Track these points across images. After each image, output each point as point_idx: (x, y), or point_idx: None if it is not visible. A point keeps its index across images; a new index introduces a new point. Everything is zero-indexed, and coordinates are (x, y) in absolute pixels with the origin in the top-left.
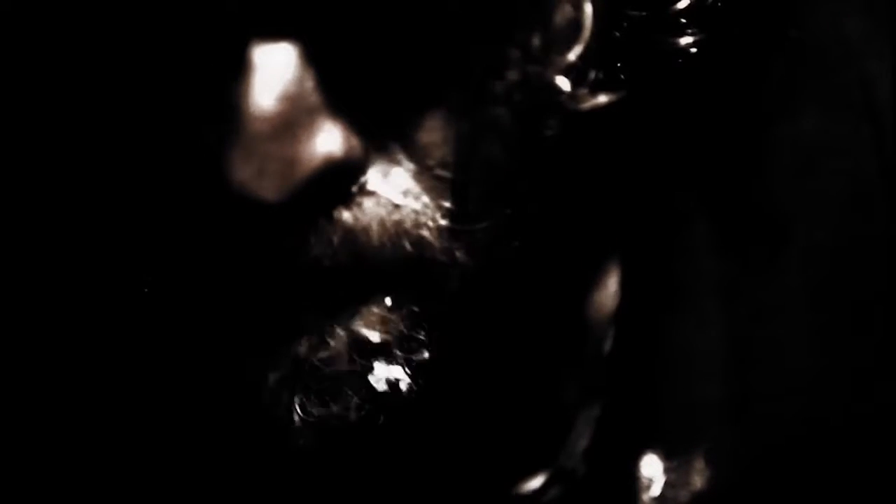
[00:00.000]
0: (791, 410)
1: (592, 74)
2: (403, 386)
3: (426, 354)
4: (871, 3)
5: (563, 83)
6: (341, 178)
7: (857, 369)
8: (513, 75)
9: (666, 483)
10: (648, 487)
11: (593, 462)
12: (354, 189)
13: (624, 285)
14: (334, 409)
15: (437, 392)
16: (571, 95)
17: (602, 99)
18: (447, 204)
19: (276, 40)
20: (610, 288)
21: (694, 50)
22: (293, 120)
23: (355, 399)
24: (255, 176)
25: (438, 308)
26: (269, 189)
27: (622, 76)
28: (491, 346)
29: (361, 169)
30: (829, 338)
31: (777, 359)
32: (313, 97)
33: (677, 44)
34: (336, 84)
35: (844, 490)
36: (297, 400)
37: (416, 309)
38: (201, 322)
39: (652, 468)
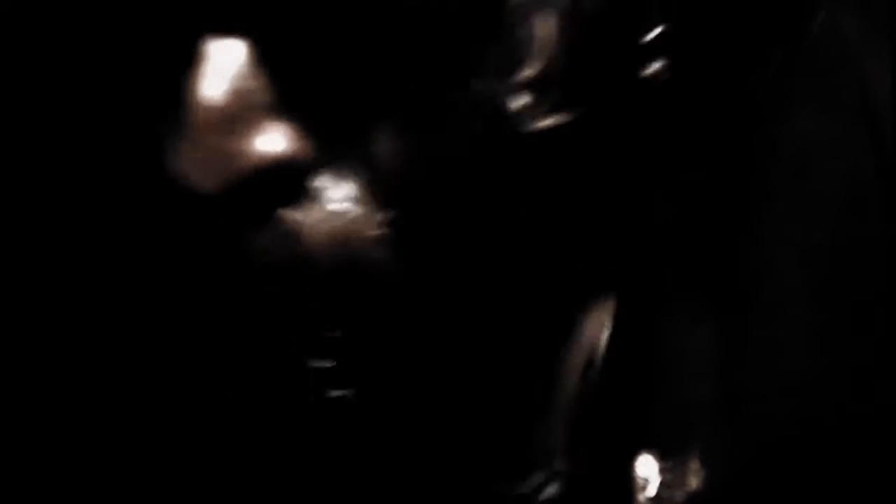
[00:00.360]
0: (786, 410)
1: (553, 96)
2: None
3: (358, 358)
4: (869, 3)
5: (520, 100)
6: (286, 178)
7: (853, 369)
8: (470, 89)
9: (661, 483)
10: (644, 488)
11: (589, 462)
12: (300, 190)
13: (617, 288)
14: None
15: (374, 396)
16: (527, 113)
17: (555, 120)
18: (389, 214)
19: (227, 36)
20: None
21: (659, 80)
22: (240, 115)
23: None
24: (197, 166)
25: (371, 314)
26: (209, 180)
27: (584, 100)
28: (427, 351)
29: (308, 171)
30: (825, 337)
31: (772, 358)
32: (264, 95)
33: (643, 72)
34: (291, 86)
35: (840, 490)
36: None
37: (348, 314)
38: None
39: (647, 468)
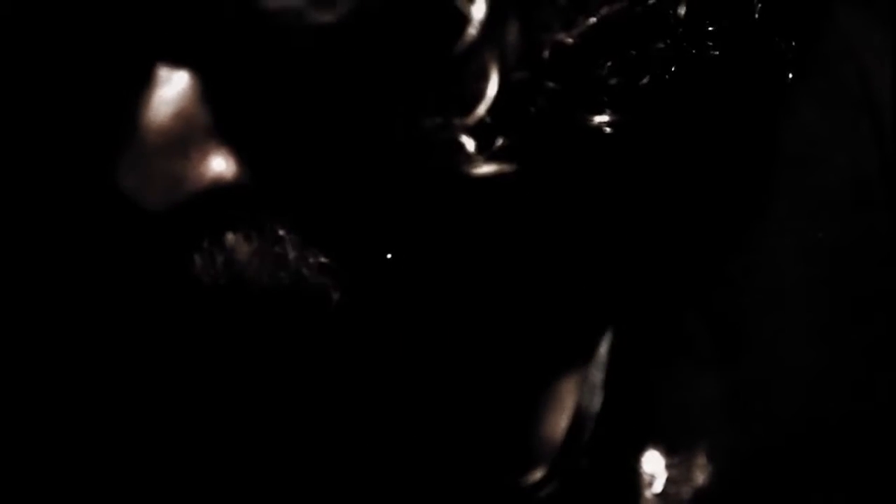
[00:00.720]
0: (791, 407)
1: (498, 140)
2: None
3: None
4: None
5: (466, 143)
6: (229, 203)
7: (857, 365)
8: (412, 128)
9: (668, 479)
10: (650, 484)
11: (595, 458)
12: (242, 217)
13: (621, 285)
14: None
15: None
16: (468, 157)
17: (494, 167)
18: (329, 242)
19: (175, 65)
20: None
21: (608, 129)
22: (187, 138)
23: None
24: (144, 183)
25: (309, 343)
26: (153, 198)
27: (529, 146)
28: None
29: (252, 198)
30: (828, 333)
31: (776, 353)
32: (206, 120)
33: (591, 122)
34: (235, 113)
35: (844, 486)
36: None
37: (286, 342)
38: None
39: (654, 464)
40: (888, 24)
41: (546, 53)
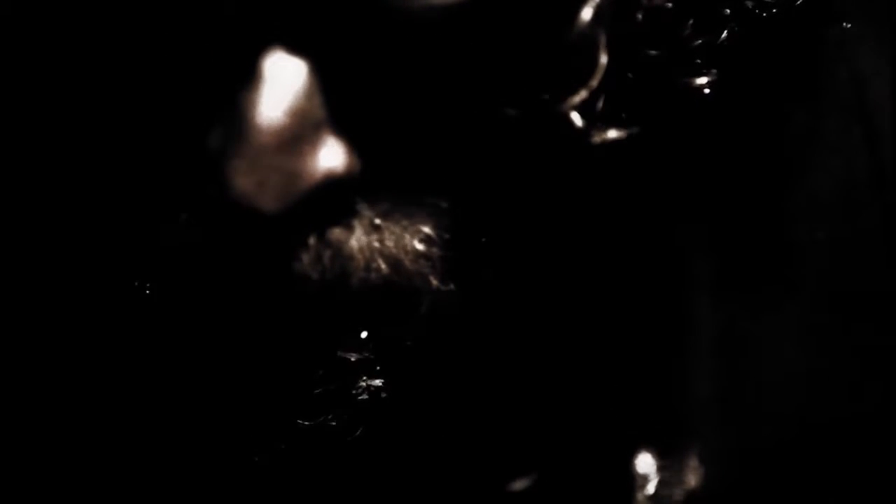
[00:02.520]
0: (784, 408)
1: (606, 110)
2: (383, 395)
3: (399, 369)
4: (864, 1)
5: (576, 118)
6: (337, 195)
7: (849, 367)
8: (524, 107)
9: (660, 481)
10: (643, 486)
11: (587, 460)
12: (345, 208)
13: (618, 285)
14: (321, 420)
15: (414, 399)
16: (583, 130)
17: (612, 134)
18: (426, 229)
19: (288, 54)
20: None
21: (708, 90)
22: (299, 134)
23: (339, 410)
24: (256, 187)
25: (411, 328)
26: (268, 201)
27: (636, 113)
28: (463, 357)
29: (355, 187)
30: (820, 333)
31: (768, 355)
32: (320, 112)
33: (692, 83)
34: (339, 101)
35: (837, 488)
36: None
37: (391, 329)
38: (193, 326)
39: (646, 466)
40: (881, 27)
41: (640, 18)
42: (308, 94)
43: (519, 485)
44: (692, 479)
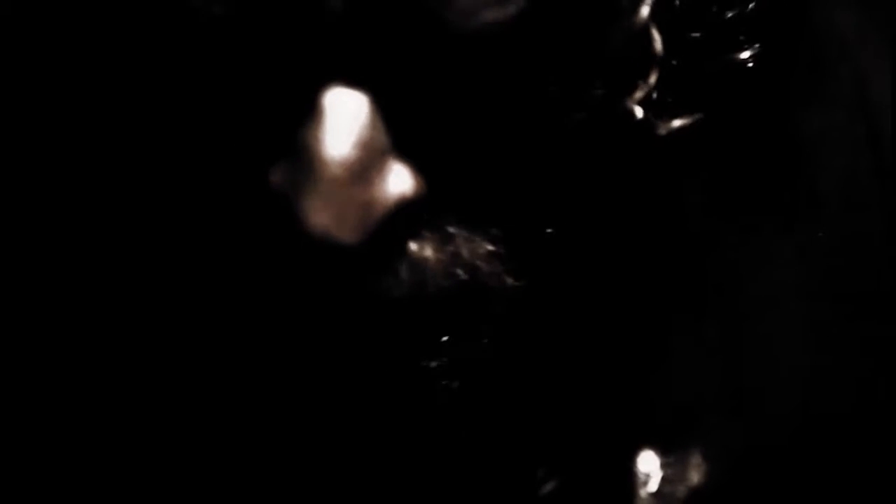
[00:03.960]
0: (786, 405)
1: (665, 99)
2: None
3: (478, 370)
4: (865, 1)
5: (639, 112)
6: (409, 216)
7: (852, 365)
8: (587, 108)
9: (663, 478)
10: (646, 483)
11: (590, 457)
12: (418, 223)
13: (622, 283)
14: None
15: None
16: (648, 122)
17: (677, 123)
18: (495, 231)
19: (347, 88)
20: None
21: (751, 63)
22: (367, 164)
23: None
24: (335, 220)
25: (490, 328)
26: (348, 232)
27: (692, 97)
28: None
29: (424, 204)
30: (822, 331)
31: (771, 352)
32: (383, 140)
33: (737, 58)
34: (398, 126)
35: (839, 485)
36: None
37: (470, 332)
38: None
39: (649, 464)
40: (884, 25)
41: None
42: (371, 125)
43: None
44: (695, 477)
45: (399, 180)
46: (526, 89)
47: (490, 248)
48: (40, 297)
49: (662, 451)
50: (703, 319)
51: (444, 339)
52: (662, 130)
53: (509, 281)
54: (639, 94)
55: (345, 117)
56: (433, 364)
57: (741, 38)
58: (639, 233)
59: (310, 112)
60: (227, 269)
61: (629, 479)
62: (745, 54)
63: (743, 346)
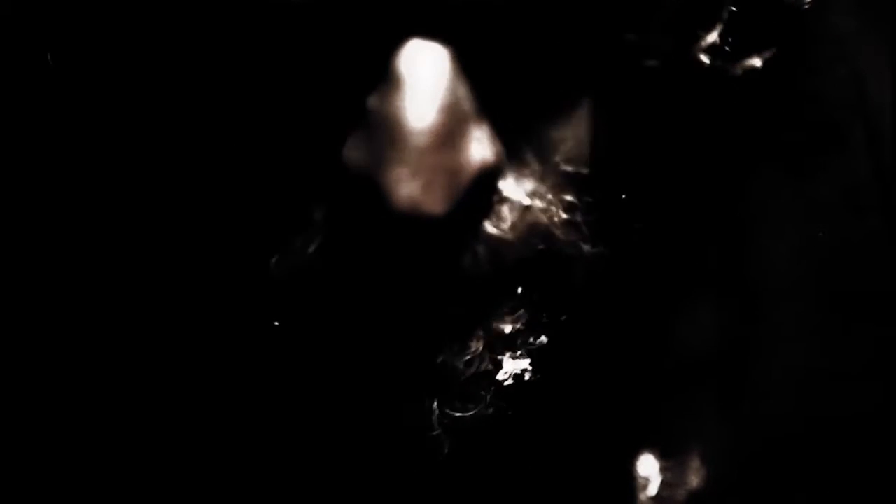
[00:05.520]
0: (785, 408)
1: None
2: (527, 377)
3: (547, 341)
4: (864, 1)
5: (706, 59)
6: (489, 185)
7: (851, 367)
8: (653, 61)
9: (662, 482)
10: (645, 487)
11: (590, 461)
12: (494, 197)
13: (625, 282)
14: (471, 409)
15: (555, 381)
16: (718, 67)
17: (750, 63)
18: (570, 198)
19: (424, 45)
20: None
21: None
22: (452, 129)
23: (488, 397)
24: (424, 189)
25: (566, 297)
26: (438, 202)
27: (753, 38)
28: (607, 332)
29: (501, 175)
30: (823, 334)
31: (771, 355)
32: (466, 105)
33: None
34: (487, 89)
35: (840, 487)
36: (436, 405)
37: (545, 299)
38: (350, 334)
39: (648, 467)
40: (882, 27)
41: None
42: (454, 88)
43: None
44: (695, 480)
45: (482, 146)
46: (596, 40)
47: (566, 216)
48: (49, 296)
49: (662, 455)
50: (704, 321)
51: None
52: (736, 72)
53: (586, 248)
54: (706, 42)
55: (426, 81)
56: (507, 329)
57: None
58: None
59: (382, 76)
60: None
61: (629, 482)
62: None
63: (743, 348)
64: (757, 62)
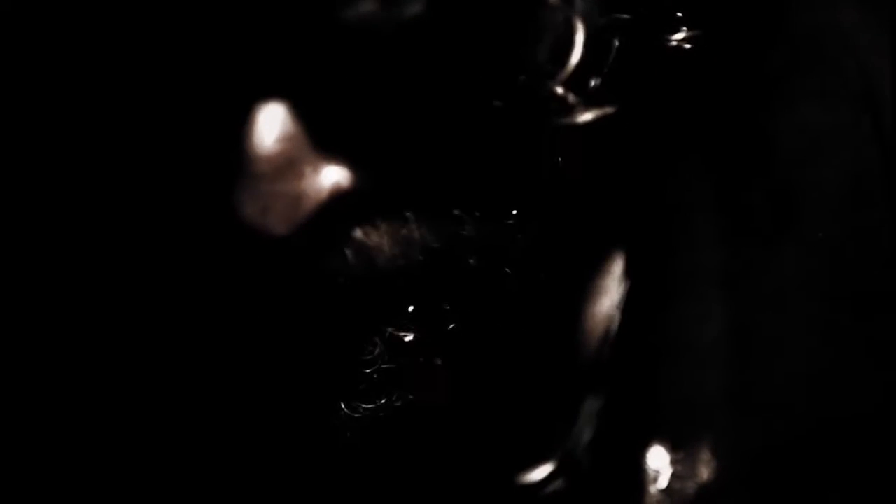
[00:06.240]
0: (794, 401)
1: (592, 83)
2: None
3: (446, 348)
4: None
5: (565, 94)
6: (352, 205)
7: (858, 360)
8: (509, 92)
9: (673, 475)
10: (655, 480)
11: (600, 454)
12: (367, 211)
13: (628, 278)
14: (378, 403)
15: (458, 383)
16: (571, 106)
17: (600, 111)
18: (455, 212)
19: (269, 92)
20: (613, 280)
21: (688, 46)
22: (295, 158)
23: (395, 393)
24: (260, 213)
25: (454, 307)
26: (276, 224)
27: (621, 82)
28: (502, 338)
29: (372, 193)
30: (830, 328)
31: (779, 349)
32: (311, 137)
33: (672, 41)
34: (334, 122)
35: (849, 480)
36: (343, 404)
37: (434, 310)
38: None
39: (658, 460)
40: (889, 21)
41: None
42: (293, 121)
43: (532, 476)
44: (705, 473)
45: (335, 172)
46: (446, 80)
47: (450, 229)
48: (37, 296)
49: (672, 448)
50: (711, 316)
51: (411, 308)
52: (581, 118)
53: (472, 261)
54: (562, 78)
55: (268, 116)
56: (406, 338)
57: (675, 19)
58: (612, 222)
59: (242, 112)
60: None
61: (639, 475)
62: (679, 36)
63: (751, 343)
64: (603, 111)
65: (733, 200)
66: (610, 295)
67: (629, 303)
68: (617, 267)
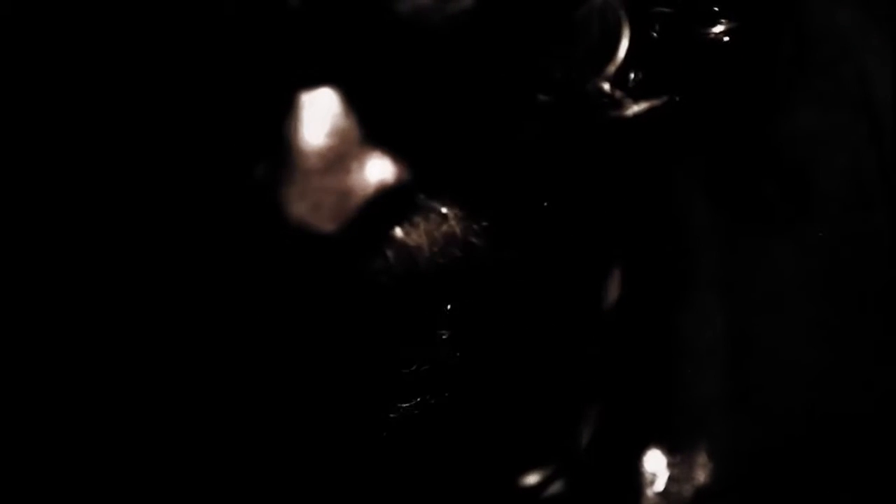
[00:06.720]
0: (792, 403)
1: (633, 77)
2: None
3: (476, 345)
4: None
5: (608, 90)
6: (394, 202)
7: (857, 361)
8: (555, 87)
9: (669, 478)
10: (652, 482)
11: (597, 457)
12: (407, 209)
13: (627, 282)
14: (414, 402)
15: (474, 385)
16: (616, 101)
17: (645, 104)
18: (489, 209)
19: (318, 86)
20: (613, 283)
21: (726, 38)
22: (343, 153)
23: (430, 392)
24: (311, 210)
25: (489, 303)
26: (325, 221)
27: (662, 75)
28: (514, 338)
29: (412, 190)
30: (828, 330)
31: (777, 352)
32: (360, 130)
33: (710, 33)
34: (381, 116)
35: (846, 484)
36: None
37: (469, 306)
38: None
39: (655, 463)
40: (887, 24)
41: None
42: (344, 115)
43: (530, 479)
44: (702, 476)
45: (380, 168)
46: (492, 74)
47: (486, 223)
48: (37, 296)
49: (669, 451)
50: (709, 318)
51: (448, 308)
52: (629, 111)
53: (508, 255)
54: (608, 74)
55: (316, 109)
56: (445, 336)
57: (717, 12)
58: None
59: (287, 108)
60: (214, 264)
61: (636, 478)
62: (718, 29)
63: (749, 345)
64: (654, 103)
65: (732, 203)
66: (609, 297)
67: (628, 306)
68: (616, 268)
